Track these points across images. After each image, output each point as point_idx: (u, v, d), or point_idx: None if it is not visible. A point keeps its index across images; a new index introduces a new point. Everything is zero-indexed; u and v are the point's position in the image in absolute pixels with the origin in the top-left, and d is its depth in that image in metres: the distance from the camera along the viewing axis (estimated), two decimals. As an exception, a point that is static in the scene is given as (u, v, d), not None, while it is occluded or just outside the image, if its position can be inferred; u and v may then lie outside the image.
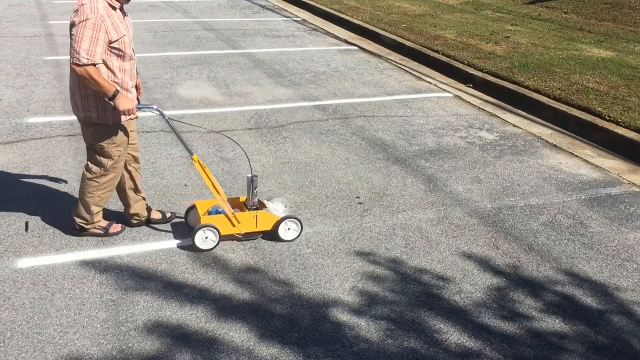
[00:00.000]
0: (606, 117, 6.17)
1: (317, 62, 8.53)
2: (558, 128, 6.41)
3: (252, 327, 3.16)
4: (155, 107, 3.69)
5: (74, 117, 5.86)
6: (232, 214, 3.83)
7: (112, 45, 3.39)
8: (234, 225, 3.85)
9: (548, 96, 6.88)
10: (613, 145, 5.87)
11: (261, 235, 3.99)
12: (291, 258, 3.79)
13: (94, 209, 3.80)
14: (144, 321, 3.16)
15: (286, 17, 12.20)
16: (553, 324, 3.32)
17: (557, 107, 6.59)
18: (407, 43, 9.38)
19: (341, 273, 3.67)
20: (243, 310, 3.29)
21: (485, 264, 3.85)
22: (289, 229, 3.96)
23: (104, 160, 3.68)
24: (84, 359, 2.89)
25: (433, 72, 8.40)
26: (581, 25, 10.83)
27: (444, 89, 7.64)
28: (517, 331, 3.24)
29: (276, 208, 4.03)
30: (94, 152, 3.68)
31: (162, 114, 3.69)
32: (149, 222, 4.09)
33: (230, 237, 3.93)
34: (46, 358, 2.88)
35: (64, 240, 3.86)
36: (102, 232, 3.91)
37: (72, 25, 3.32)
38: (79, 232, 3.88)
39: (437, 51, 8.82)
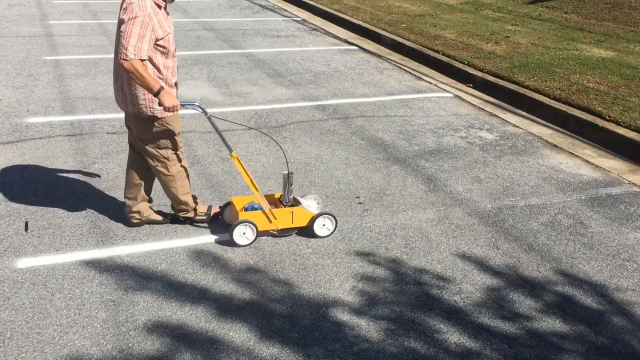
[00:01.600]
0: (606, 117, 6.17)
1: (317, 62, 8.53)
2: (558, 128, 6.41)
3: (252, 327, 3.16)
4: (197, 103, 3.79)
5: (74, 117, 5.84)
6: (270, 210, 3.90)
7: (158, 42, 3.50)
8: (270, 222, 3.93)
9: (548, 96, 6.88)
10: (613, 145, 5.87)
11: (296, 231, 4.04)
12: (291, 258, 3.79)
13: (185, 197, 3.97)
14: (144, 321, 3.16)
15: (286, 17, 12.20)
16: (553, 324, 3.32)
17: (557, 107, 6.59)
18: (407, 43, 9.38)
19: (341, 273, 3.67)
20: (243, 310, 3.29)
21: (485, 264, 3.85)
22: (323, 225, 4.03)
23: (162, 152, 3.78)
24: (84, 359, 2.89)
25: (433, 72, 8.40)
26: (581, 25, 10.83)
27: (444, 89, 7.64)
28: (517, 331, 3.24)
29: (309, 205, 4.09)
30: (151, 147, 3.76)
31: (204, 111, 3.78)
32: (155, 222, 4.12)
33: (265, 233, 3.97)
34: (46, 358, 2.88)
35: (64, 240, 3.86)
36: (205, 217, 4.09)
37: (121, 22, 3.42)
38: (185, 221, 4.07)
39: (437, 51, 8.82)
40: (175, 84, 3.83)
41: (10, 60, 7.88)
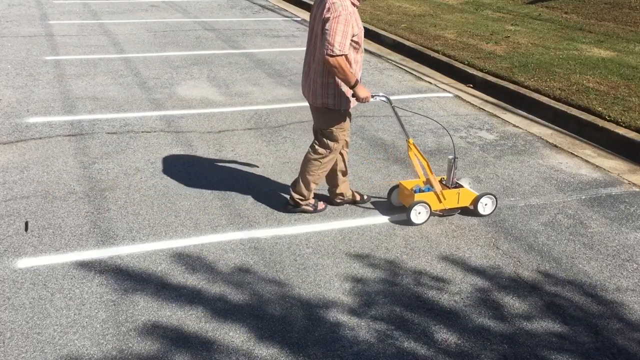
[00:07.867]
0: (606, 117, 6.17)
1: (317, 62, 8.52)
2: (558, 128, 6.41)
3: (252, 327, 3.16)
4: (382, 94, 4.18)
5: (74, 117, 5.86)
6: (441, 191, 4.23)
7: (353, 38, 3.78)
8: (440, 202, 4.26)
9: (548, 96, 6.88)
10: (613, 145, 5.87)
11: (459, 211, 4.38)
12: (291, 258, 3.79)
13: (312, 186, 4.23)
14: (143, 321, 3.16)
15: (286, 17, 12.20)
16: (553, 324, 3.32)
17: (557, 107, 6.59)
18: (407, 43, 9.38)
19: (341, 273, 3.67)
20: (243, 310, 3.29)
21: (485, 264, 3.85)
22: (486, 204, 4.37)
23: (331, 143, 4.09)
24: (83, 359, 2.89)
25: (433, 72, 8.40)
26: (581, 25, 10.83)
27: (444, 89, 7.64)
28: (517, 331, 3.24)
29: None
30: (323, 137, 4.10)
31: (389, 101, 4.19)
32: (354, 202, 4.48)
33: (431, 213, 4.29)
34: (46, 358, 2.88)
35: (64, 240, 3.86)
36: (312, 209, 4.32)
37: (325, 21, 3.67)
38: (294, 207, 4.29)
39: (437, 51, 8.82)
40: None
41: (10, 60, 7.88)
